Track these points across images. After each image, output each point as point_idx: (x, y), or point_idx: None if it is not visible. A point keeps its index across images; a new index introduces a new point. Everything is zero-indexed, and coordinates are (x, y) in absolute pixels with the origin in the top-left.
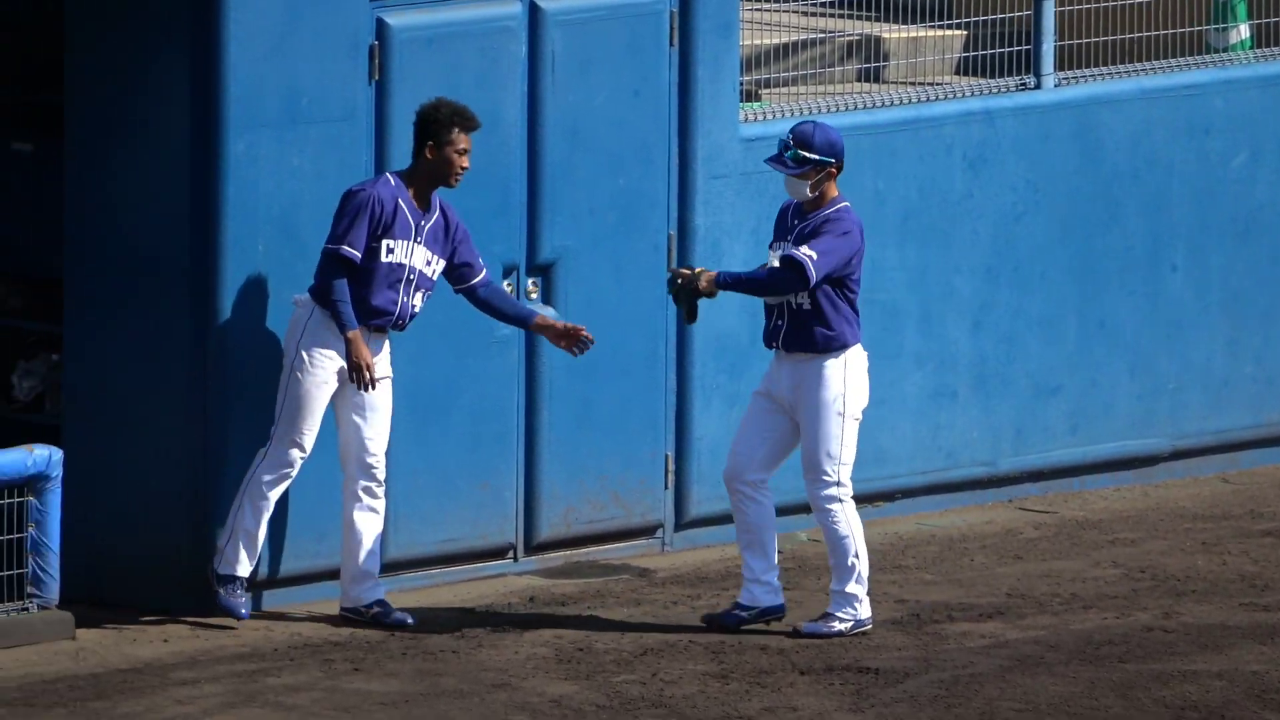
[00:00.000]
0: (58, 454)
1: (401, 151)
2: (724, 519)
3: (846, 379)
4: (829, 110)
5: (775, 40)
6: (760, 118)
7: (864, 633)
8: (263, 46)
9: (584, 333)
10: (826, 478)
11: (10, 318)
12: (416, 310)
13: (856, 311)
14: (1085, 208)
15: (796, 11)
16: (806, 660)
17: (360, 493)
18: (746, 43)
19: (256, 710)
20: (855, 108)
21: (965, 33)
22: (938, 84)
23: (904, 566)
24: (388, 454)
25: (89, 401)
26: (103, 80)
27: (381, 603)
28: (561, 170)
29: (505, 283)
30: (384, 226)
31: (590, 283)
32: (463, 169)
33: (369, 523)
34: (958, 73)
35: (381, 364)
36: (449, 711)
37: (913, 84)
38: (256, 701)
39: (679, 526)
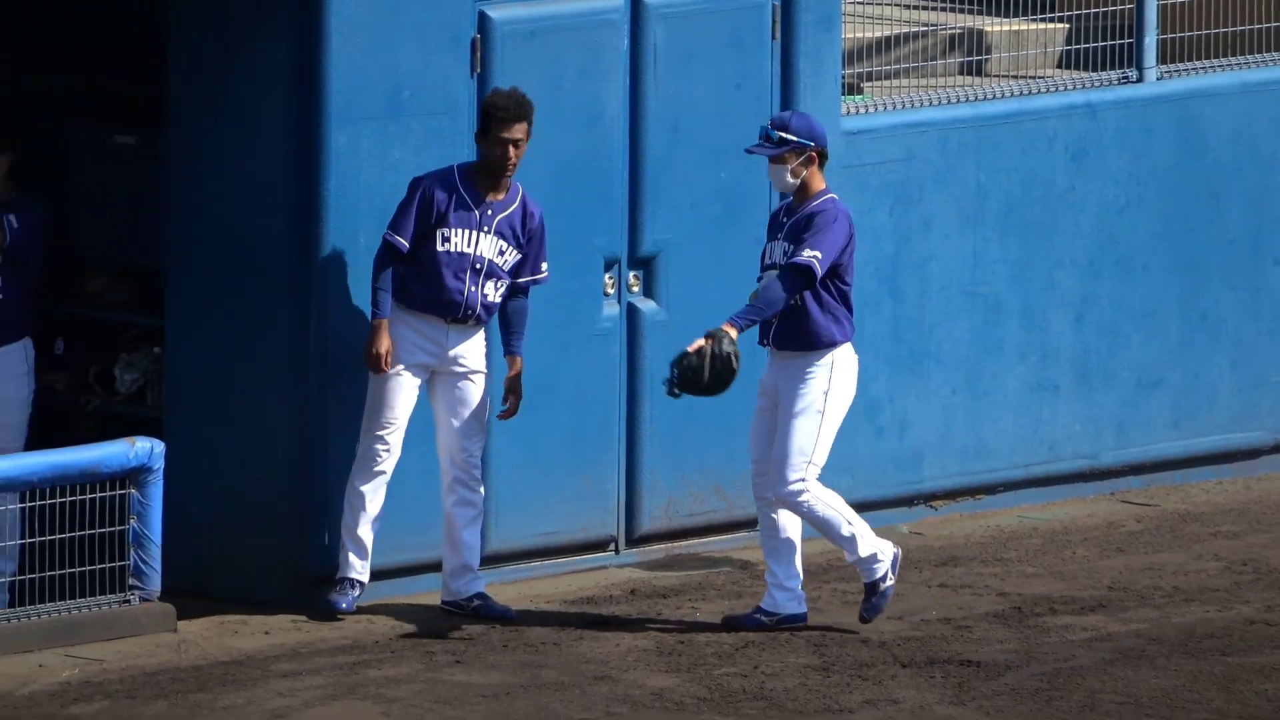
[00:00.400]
0: (160, 446)
1: None
2: None
3: (832, 378)
4: (931, 103)
5: (877, 33)
6: (861, 111)
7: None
8: (364, 39)
9: (508, 408)
10: (793, 474)
11: (113, 311)
12: (490, 299)
13: (849, 308)
14: (1187, 201)
15: (898, 5)
16: (908, 653)
17: (456, 487)
18: (848, 36)
19: (357, 702)
20: (957, 101)
21: (1067, 26)
22: (1040, 77)
23: (1005, 559)
24: (488, 447)
25: (191, 394)
26: (204, 73)
27: (482, 595)
28: (663, 164)
29: (608, 276)
30: (438, 216)
31: (691, 276)
32: (506, 159)
33: (466, 517)
34: (1060, 66)
35: (474, 357)
36: (550, 704)
37: (1015, 77)
38: (357, 694)
39: None
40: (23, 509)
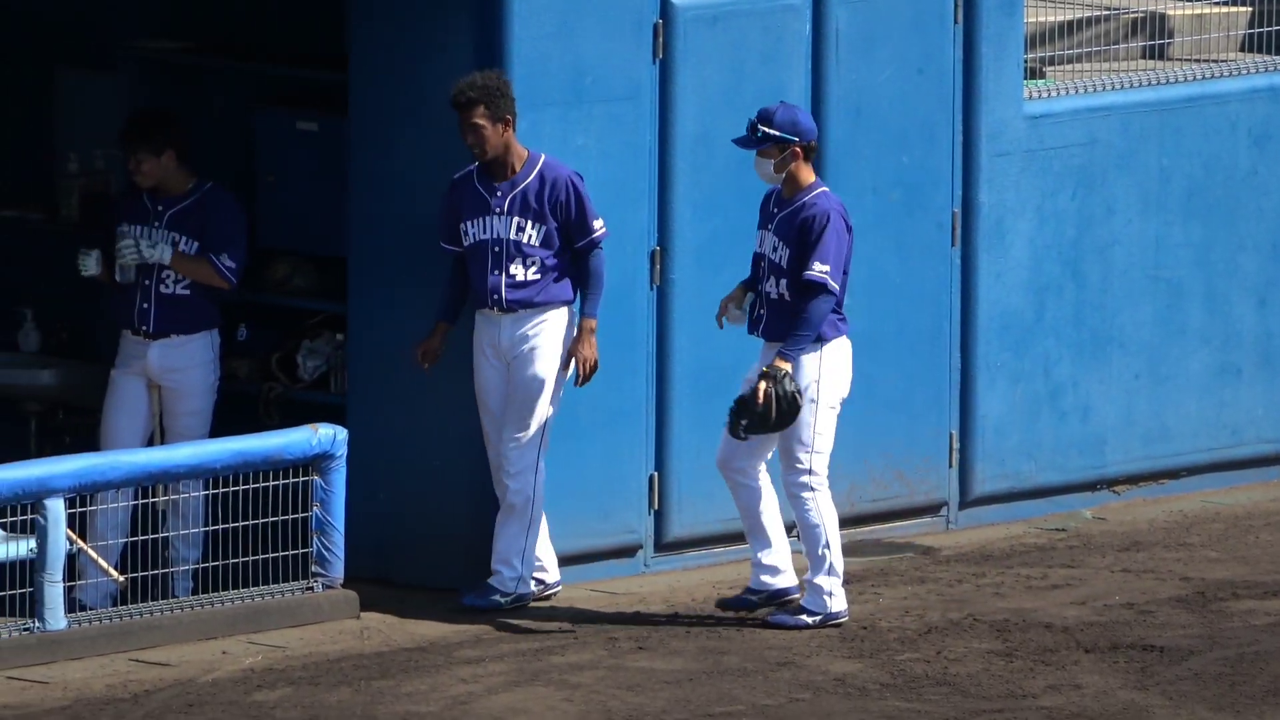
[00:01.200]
0: (342, 433)
1: (684, 131)
2: (1009, 497)
3: (821, 368)
4: (1113, 88)
5: (1059, 17)
6: (1044, 95)
7: (837, 625)
8: (547, 25)
9: (578, 375)
10: (799, 465)
11: (296, 297)
12: (522, 279)
13: (840, 302)
14: None
15: None
16: (1090, 638)
17: (498, 476)
18: (1030, 20)
19: (540, 689)
20: (1140, 85)
21: (1250, 9)
22: (1223, 60)
23: (1189, 544)
24: (668, 433)
25: (373, 380)
26: (386, 58)
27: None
28: (845, 148)
29: None
30: (457, 212)
31: (874, 261)
32: (473, 146)
33: (501, 511)
34: (1243, 49)
35: (528, 344)
36: (733, 690)
37: (1197, 61)
38: (540, 680)
39: (963, 504)
40: (206, 496)
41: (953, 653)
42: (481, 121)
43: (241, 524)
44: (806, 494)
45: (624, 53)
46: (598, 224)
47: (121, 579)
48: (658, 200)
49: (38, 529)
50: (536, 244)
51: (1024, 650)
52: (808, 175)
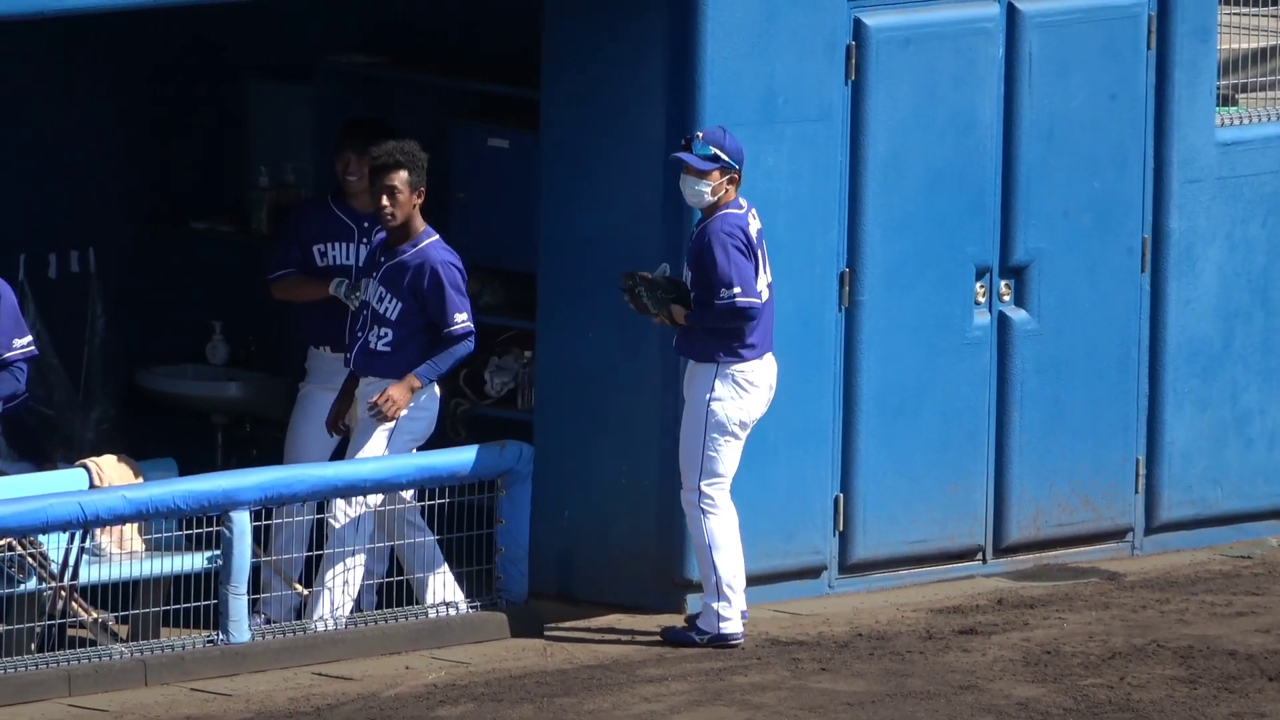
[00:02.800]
0: (528, 450)
1: (875, 152)
2: (1194, 524)
3: (715, 389)
4: None
5: (1253, 44)
6: (1236, 122)
7: (732, 647)
8: (740, 45)
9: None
10: (689, 483)
11: (483, 314)
12: (374, 348)
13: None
14: None
15: (1275, 15)
16: (1275, 666)
17: None
18: (1223, 46)
19: (723, 708)
20: None
21: None
22: None
23: None
24: (855, 452)
25: (560, 397)
26: (579, 76)
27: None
28: (1036, 172)
29: (979, 284)
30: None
31: (1063, 285)
32: (382, 206)
33: None
34: None
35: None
36: (915, 713)
37: None
38: (723, 699)
39: (1149, 530)
40: (393, 511)
41: (1136, 679)
42: (401, 186)
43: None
44: (695, 513)
45: (816, 74)
46: (459, 317)
47: (305, 591)
48: (847, 221)
49: (223, 541)
50: (393, 318)
51: (1207, 677)
52: (728, 200)
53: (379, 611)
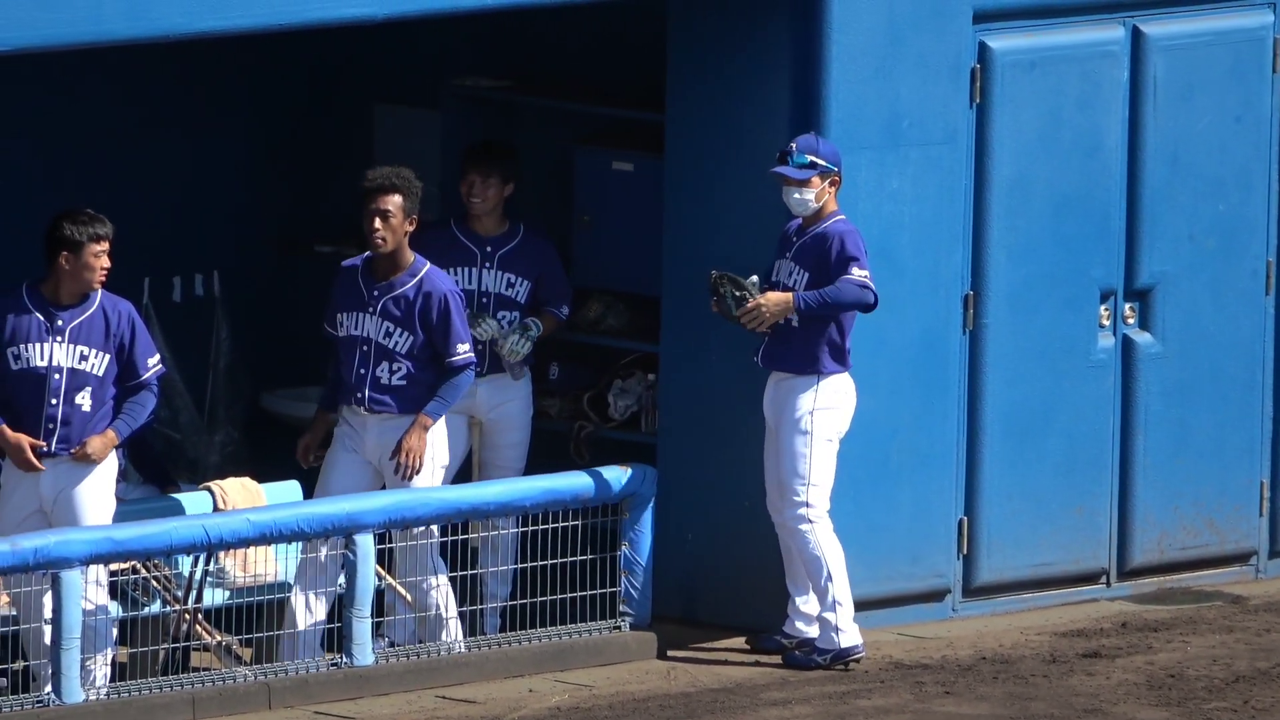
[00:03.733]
0: (652, 473)
1: (1000, 175)
2: None
3: (817, 399)
4: None
5: None
6: None
7: (855, 660)
8: (865, 68)
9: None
10: (796, 498)
11: (607, 337)
12: (387, 382)
13: (846, 335)
14: None
15: None
16: None
17: None
18: None
19: None
20: None
21: None
22: None
23: None
24: (979, 477)
25: (684, 420)
26: (703, 100)
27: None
28: (1161, 195)
29: (1103, 307)
30: (336, 301)
31: (1188, 308)
32: (374, 230)
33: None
34: None
35: (389, 448)
36: None
37: None
38: None
39: (1273, 554)
40: (516, 534)
41: (1260, 702)
42: (395, 211)
43: (550, 562)
44: (805, 526)
45: (941, 97)
46: (462, 348)
47: (410, 598)
48: (972, 244)
49: (347, 564)
50: (402, 352)
51: None
52: (833, 204)
53: (503, 634)
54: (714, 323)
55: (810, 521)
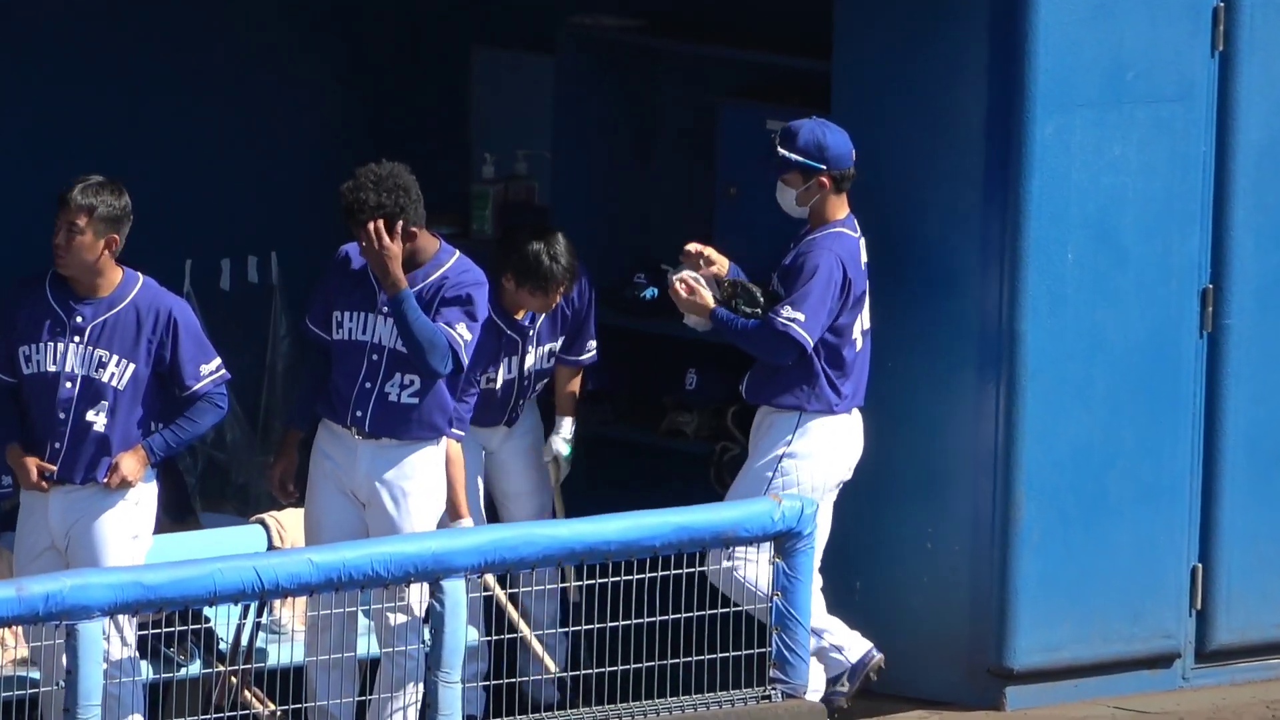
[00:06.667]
0: (812, 508)
1: (1247, 140)
2: None
3: (793, 443)
4: None
5: None
6: None
7: (875, 668)
8: (1081, 8)
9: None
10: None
11: None
12: (396, 399)
13: (844, 370)
14: None
15: None
16: None
17: None
18: None
19: None
20: None
21: None
22: None
23: None
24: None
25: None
26: (878, 45)
27: None
28: None
29: None
30: (332, 296)
31: None
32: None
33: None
34: None
35: (383, 483)
36: None
37: None
38: None
39: None
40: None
41: None
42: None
43: (685, 615)
44: (733, 572)
45: (1174, 43)
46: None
47: (558, 669)
48: (1212, 226)
49: (432, 616)
50: None
51: None
52: (836, 211)
53: (623, 705)
54: (898, 319)
55: (746, 560)
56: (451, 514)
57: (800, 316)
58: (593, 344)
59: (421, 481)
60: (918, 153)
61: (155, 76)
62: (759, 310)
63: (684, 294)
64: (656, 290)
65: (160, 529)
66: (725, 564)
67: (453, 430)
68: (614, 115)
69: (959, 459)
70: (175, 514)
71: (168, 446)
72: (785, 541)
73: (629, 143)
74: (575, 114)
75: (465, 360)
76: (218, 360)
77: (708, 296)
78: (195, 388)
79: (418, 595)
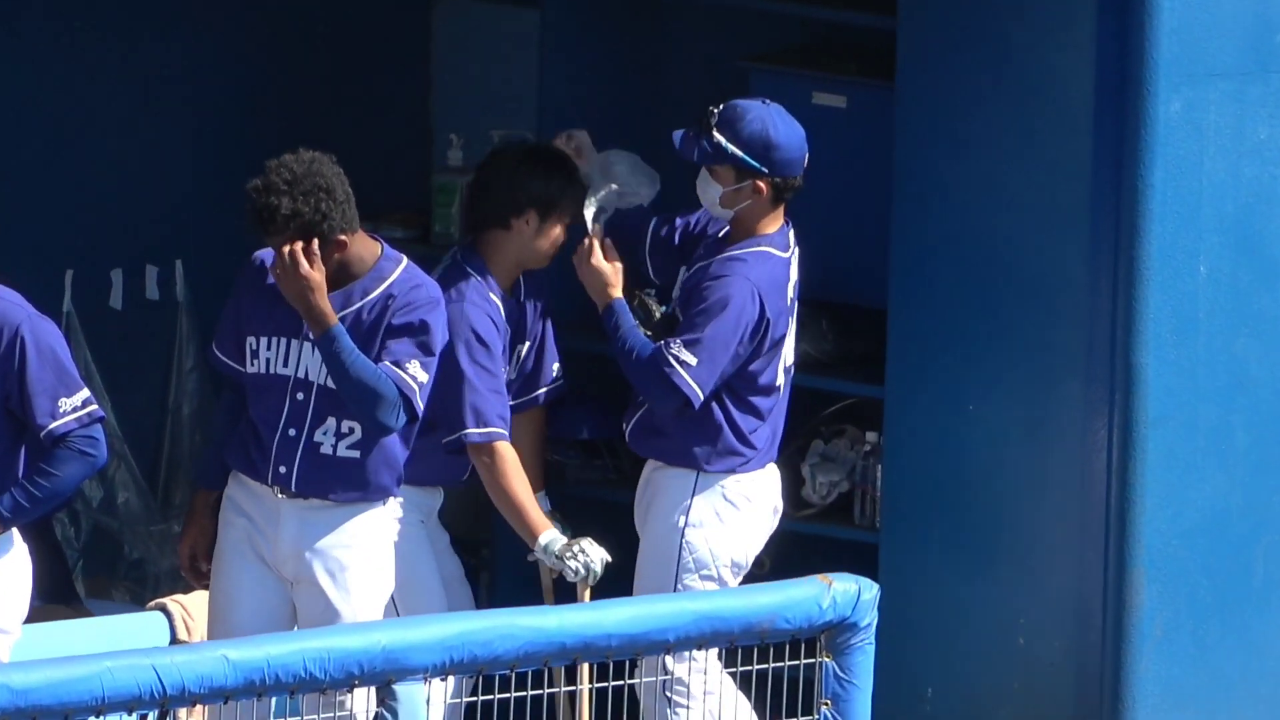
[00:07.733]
0: (871, 590)
1: None
2: None
3: (691, 511)
4: None
5: None
6: None
7: None
8: None
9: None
10: (646, 663)
11: (800, 372)
12: (329, 451)
13: (757, 418)
14: None
15: None
16: None
17: None
18: None
19: None
20: None
21: None
22: None
23: None
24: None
25: (922, 508)
26: (953, 3)
27: None
28: None
29: None
30: (244, 317)
31: None
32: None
33: None
34: None
35: (312, 554)
36: None
37: None
38: None
39: None
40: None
41: None
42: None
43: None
44: (659, 706)
45: None
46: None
47: None
48: None
49: None
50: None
51: None
52: (764, 224)
53: None
54: (975, 350)
55: (669, 703)
56: (527, 535)
57: (691, 361)
58: (556, 365)
59: (365, 552)
60: (1006, 137)
61: (21, 46)
62: (650, 333)
63: (591, 257)
64: (669, 307)
65: (32, 618)
66: (661, 676)
67: (494, 430)
68: (614, 84)
69: (1060, 530)
70: (52, 597)
71: (18, 506)
72: (837, 635)
73: (633, 118)
74: (565, 83)
75: (420, 408)
76: (84, 393)
77: (617, 275)
78: (51, 426)
79: (363, 703)
